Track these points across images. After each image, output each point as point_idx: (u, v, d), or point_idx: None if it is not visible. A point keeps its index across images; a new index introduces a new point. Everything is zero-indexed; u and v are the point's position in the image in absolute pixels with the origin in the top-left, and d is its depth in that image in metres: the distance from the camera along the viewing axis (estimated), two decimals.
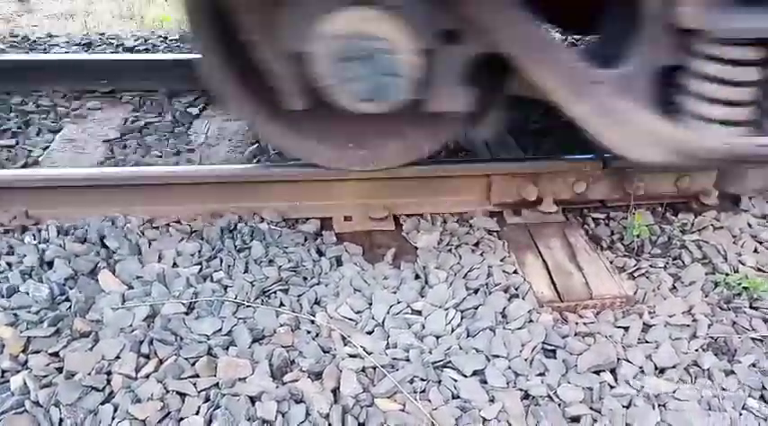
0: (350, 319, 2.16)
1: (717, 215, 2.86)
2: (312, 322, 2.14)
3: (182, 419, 1.72)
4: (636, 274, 2.55)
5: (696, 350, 2.12)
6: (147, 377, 1.84)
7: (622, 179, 2.91)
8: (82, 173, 2.71)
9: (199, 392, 1.80)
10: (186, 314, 2.12)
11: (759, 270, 2.53)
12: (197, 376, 1.86)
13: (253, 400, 1.78)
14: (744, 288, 2.35)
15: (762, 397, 1.95)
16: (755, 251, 2.66)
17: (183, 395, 1.79)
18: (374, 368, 1.93)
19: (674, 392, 1.94)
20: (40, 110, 3.84)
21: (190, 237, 2.55)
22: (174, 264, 2.39)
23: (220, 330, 2.04)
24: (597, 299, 2.37)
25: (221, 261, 2.38)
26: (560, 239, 2.71)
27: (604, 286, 2.42)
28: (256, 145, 3.56)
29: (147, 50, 4.99)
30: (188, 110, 3.98)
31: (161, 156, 3.38)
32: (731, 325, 2.23)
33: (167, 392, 1.79)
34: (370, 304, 2.24)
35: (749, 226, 2.81)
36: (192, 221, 2.65)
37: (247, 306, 2.16)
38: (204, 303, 2.16)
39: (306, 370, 1.89)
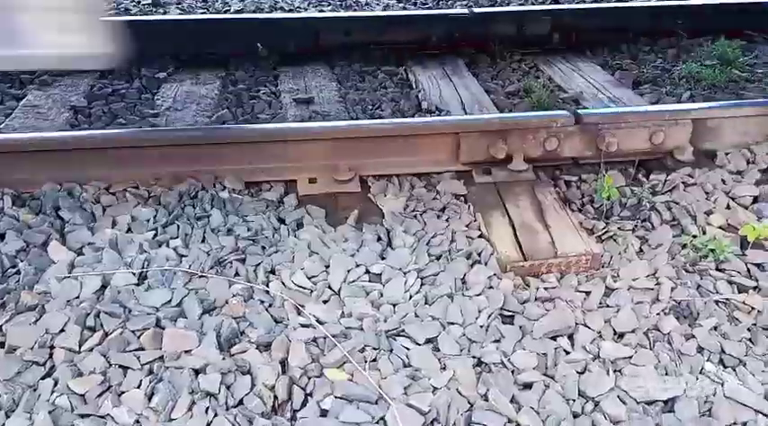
0: (304, 288, 2.12)
1: (691, 171, 2.79)
2: (267, 292, 2.09)
3: (122, 393, 1.69)
4: (604, 237, 2.50)
5: (657, 314, 2.08)
6: (91, 350, 1.81)
7: (595, 135, 2.83)
8: (37, 137, 2.64)
9: (142, 365, 1.76)
10: (137, 284, 2.08)
11: (729, 227, 2.47)
12: (142, 349, 1.82)
13: (197, 372, 1.75)
14: (710, 250, 2.29)
15: (721, 361, 1.92)
16: (728, 207, 2.60)
17: (125, 369, 1.75)
18: (325, 339, 1.89)
19: (630, 357, 1.90)
20: (3, 77, 3.74)
21: (146, 203, 2.49)
22: (129, 230, 2.34)
23: (170, 301, 2.00)
24: (562, 257, 2.32)
25: (178, 228, 2.32)
26: (529, 197, 2.65)
27: (571, 244, 2.37)
28: (225, 109, 3.48)
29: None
30: (156, 75, 3.89)
31: (125, 124, 3.30)
32: (696, 288, 2.19)
33: (110, 365, 1.76)
34: (327, 267, 2.19)
35: (723, 182, 2.74)
36: (150, 186, 2.58)
37: (200, 277, 2.11)
38: (157, 272, 2.11)
39: (254, 342, 1.86)
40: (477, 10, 4.44)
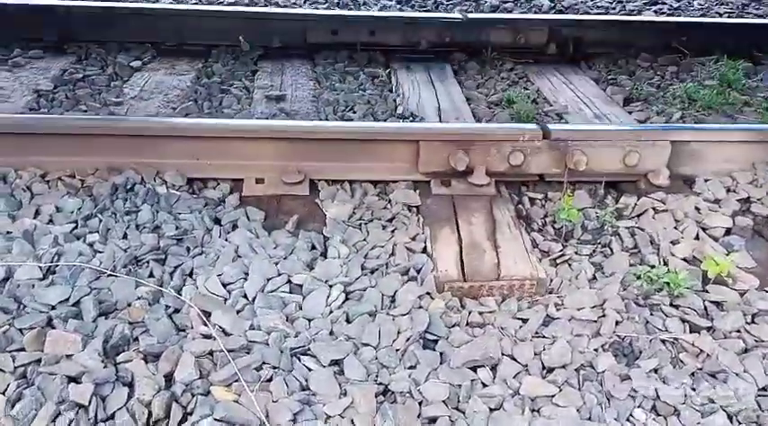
0: (217, 295, 1.98)
1: (664, 196, 2.60)
2: (177, 297, 1.96)
3: None
4: (558, 261, 2.33)
5: (595, 350, 1.91)
6: None
7: (564, 152, 2.66)
8: None
9: (15, 367, 1.64)
10: (41, 279, 1.96)
11: (694, 260, 2.28)
12: (22, 349, 1.70)
13: (71, 380, 1.62)
14: (665, 283, 2.11)
15: (653, 408, 1.74)
16: (696, 238, 2.41)
17: None
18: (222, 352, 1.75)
19: (553, 396, 1.73)
20: None
21: (76, 193, 2.37)
22: (50, 221, 2.22)
23: (68, 300, 1.87)
24: (505, 281, 2.16)
25: (99, 222, 2.21)
26: (485, 214, 2.49)
27: (516, 266, 2.21)
28: (192, 101, 3.37)
29: None
30: (131, 64, 3.79)
31: (86, 110, 3.20)
32: (643, 324, 2.01)
33: None
34: (248, 275, 2.05)
35: (697, 210, 2.55)
36: (87, 176, 2.47)
37: (109, 275, 1.99)
38: (65, 268, 2.00)
39: (142, 351, 1.72)
40: (471, 15, 4.28)
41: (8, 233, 2.15)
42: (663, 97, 3.69)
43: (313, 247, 2.25)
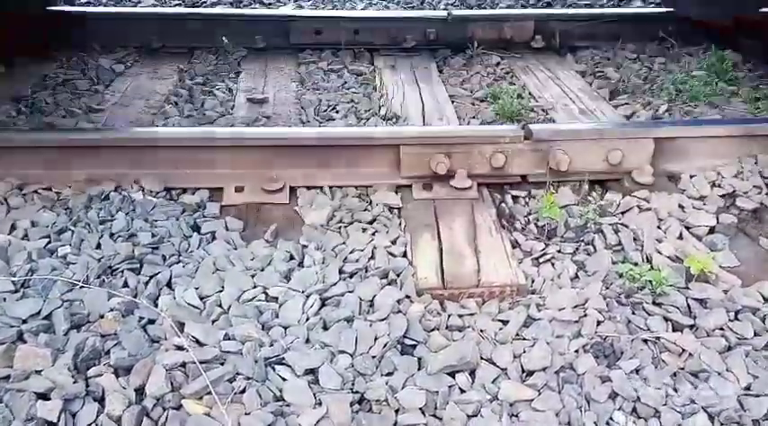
0: (193, 306, 1.96)
1: (648, 194, 2.57)
2: (151, 307, 1.93)
3: None
4: (541, 260, 2.30)
5: (576, 351, 1.88)
6: None
7: (547, 152, 2.63)
8: None
9: None
10: (14, 292, 1.93)
11: (677, 259, 2.25)
12: None
13: (40, 396, 1.59)
14: (648, 281, 2.08)
15: (634, 410, 1.71)
16: (680, 237, 2.38)
17: None
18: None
19: (532, 400, 1.71)
20: None
21: (52, 207, 2.35)
22: (25, 236, 2.20)
23: (39, 313, 1.85)
24: (485, 287, 2.13)
25: (72, 234, 2.18)
26: (466, 218, 2.46)
27: (496, 273, 2.18)
28: (172, 105, 3.34)
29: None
30: (113, 67, 3.76)
31: (65, 117, 3.17)
32: (625, 324, 1.98)
33: None
34: (223, 288, 2.02)
35: (681, 208, 2.52)
36: (64, 188, 2.45)
37: (81, 287, 1.96)
38: (38, 281, 1.97)
39: (113, 364, 1.70)
40: (456, 12, 4.24)
41: None
42: (650, 89, 3.66)
43: (291, 257, 2.21)
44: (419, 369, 1.79)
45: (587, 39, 4.26)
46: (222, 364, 1.75)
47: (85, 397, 1.61)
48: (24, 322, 1.83)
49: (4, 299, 1.90)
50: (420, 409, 1.67)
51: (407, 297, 2.06)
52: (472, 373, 1.80)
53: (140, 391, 1.65)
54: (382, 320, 1.94)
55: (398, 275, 2.15)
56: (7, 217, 2.28)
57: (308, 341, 1.86)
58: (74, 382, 1.64)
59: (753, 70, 3.93)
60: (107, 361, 1.71)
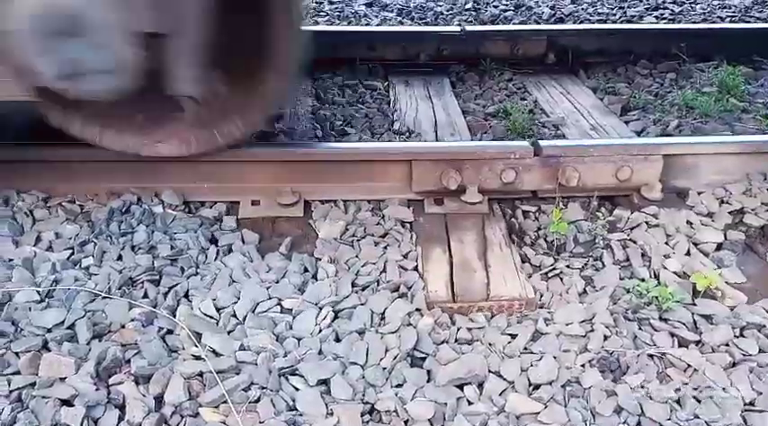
0: (210, 317, 2.02)
1: (657, 210, 2.61)
2: (170, 318, 2.00)
3: None
4: (550, 275, 2.35)
5: (582, 366, 1.92)
6: None
7: (556, 168, 2.68)
8: None
9: (10, 391, 1.69)
10: (39, 302, 2.01)
11: (684, 275, 2.29)
12: (18, 372, 1.75)
13: (65, 402, 1.66)
14: (655, 297, 2.12)
15: (639, 425, 1.75)
16: (687, 253, 2.41)
17: None
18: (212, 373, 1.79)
19: (538, 413, 1.75)
20: None
21: (75, 219, 2.43)
22: (49, 247, 2.28)
23: (63, 322, 1.92)
24: (494, 301, 2.18)
25: (95, 246, 2.26)
26: (476, 232, 2.51)
27: (506, 287, 2.23)
28: None
29: None
30: None
31: None
32: (631, 339, 2.02)
33: None
34: (239, 299, 2.09)
35: (689, 224, 2.55)
36: (87, 201, 2.54)
37: (103, 298, 2.03)
38: (62, 291, 2.05)
39: (134, 373, 1.77)
40: (469, 28, 4.30)
41: (9, 260, 2.21)
42: (661, 105, 3.69)
43: (306, 270, 2.28)
44: (428, 381, 1.85)
45: (599, 55, 4.29)
46: (238, 374, 1.81)
47: (107, 404, 1.68)
48: (49, 331, 1.91)
49: (30, 309, 1.97)
50: (429, 420, 1.72)
51: (418, 310, 2.11)
52: (480, 386, 1.85)
53: (159, 399, 1.72)
54: (393, 333, 1.99)
55: (409, 288, 2.21)
56: (33, 229, 2.37)
57: (320, 352, 1.92)
58: (96, 390, 1.71)
59: (765, 85, 3.96)
60: (128, 370, 1.78)
